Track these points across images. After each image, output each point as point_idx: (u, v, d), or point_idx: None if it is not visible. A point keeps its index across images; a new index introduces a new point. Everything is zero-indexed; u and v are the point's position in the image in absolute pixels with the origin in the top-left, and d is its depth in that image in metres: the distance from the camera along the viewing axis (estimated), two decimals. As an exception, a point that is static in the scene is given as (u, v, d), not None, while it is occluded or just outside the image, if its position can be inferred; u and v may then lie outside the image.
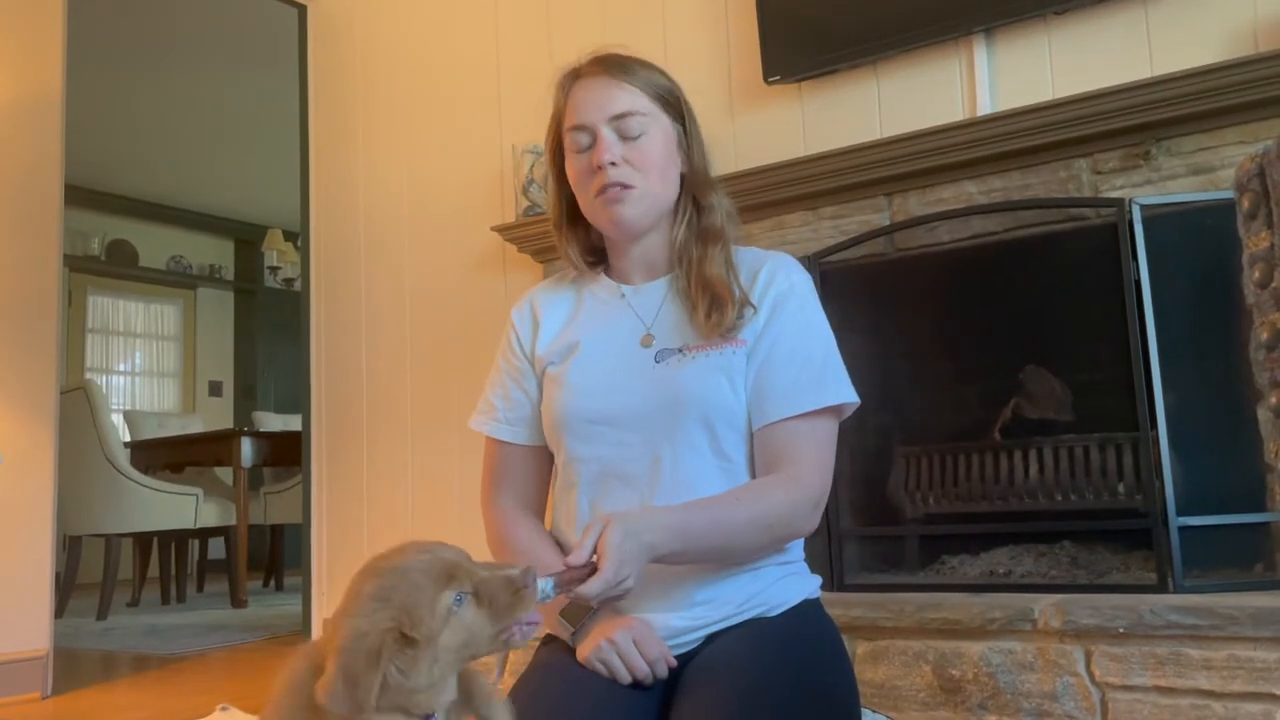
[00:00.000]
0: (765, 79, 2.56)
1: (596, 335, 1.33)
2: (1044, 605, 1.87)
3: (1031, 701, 1.86)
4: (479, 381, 1.43)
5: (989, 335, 2.29)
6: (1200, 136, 2.04)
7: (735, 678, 1.10)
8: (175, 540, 5.27)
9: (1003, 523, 2.21)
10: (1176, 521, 1.92)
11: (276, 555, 5.74)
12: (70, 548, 4.75)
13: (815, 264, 2.33)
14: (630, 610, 1.19)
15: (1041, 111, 2.14)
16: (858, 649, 2.03)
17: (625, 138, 1.29)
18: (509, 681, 1.18)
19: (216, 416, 7.51)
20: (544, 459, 1.38)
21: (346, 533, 3.35)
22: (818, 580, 1.32)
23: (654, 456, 1.24)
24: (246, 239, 7.99)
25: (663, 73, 1.35)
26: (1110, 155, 2.12)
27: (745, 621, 1.21)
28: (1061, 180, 2.18)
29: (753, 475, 1.26)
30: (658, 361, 1.28)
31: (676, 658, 1.18)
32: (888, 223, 2.37)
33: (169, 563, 5.33)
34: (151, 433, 5.68)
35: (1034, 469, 2.18)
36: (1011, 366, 2.24)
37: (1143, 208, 2.01)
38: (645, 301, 1.34)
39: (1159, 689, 1.76)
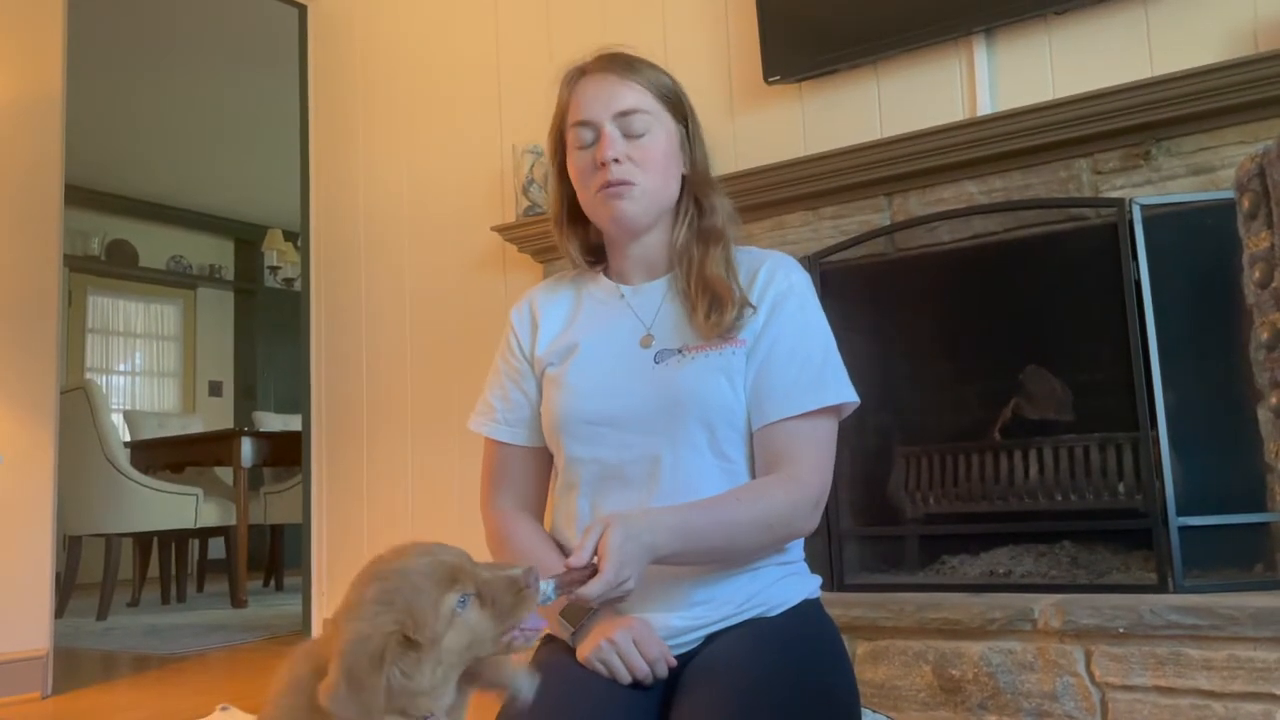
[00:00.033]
0: (765, 79, 2.56)
1: (596, 336, 1.33)
2: (1044, 605, 1.87)
3: (1031, 701, 1.86)
4: (479, 381, 1.43)
5: (989, 335, 2.30)
6: (1200, 136, 2.04)
7: (735, 678, 1.10)
8: (175, 540, 5.27)
9: (1003, 523, 2.21)
10: (1176, 521, 1.92)
11: (276, 555, 5.74)
12: (70, 548, 4.75)
13: (815, 264, 2.33)
14: (630, 610, 1.19)
15: (1042, 111, 2.14)
16: (858, 649, 2.03)
17: (629, 135, 1.29)
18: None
19: (216, 416, 7.51)
20: (543, 460, 1.38)
21: (346, 533, 3.35)
22: (818, 580, 1.32)
23: (654, 457, 1.24)
24: (246, 239, 7.99)
25: (667, 74, 1.35)
26: (1110, 155, 2.12)
27: (745, 621, 1.21)
28: (1062, 180, 2.18)
29: (753, 475, 1.26)
30: (657, 362, 1.28)
31: (676, 658, 1.18)
32: (888, 223, 2.37)
33: (169, 563, 5.33)
34: (151, 433, 5.68)
35: (1034, 469, 2.18)
36: (1012, 366, 2.24)
37: (1143, 208, 2.01)
38: (644, 302, 1.34)
39: (1159, 689, 1.76)
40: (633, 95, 1.30)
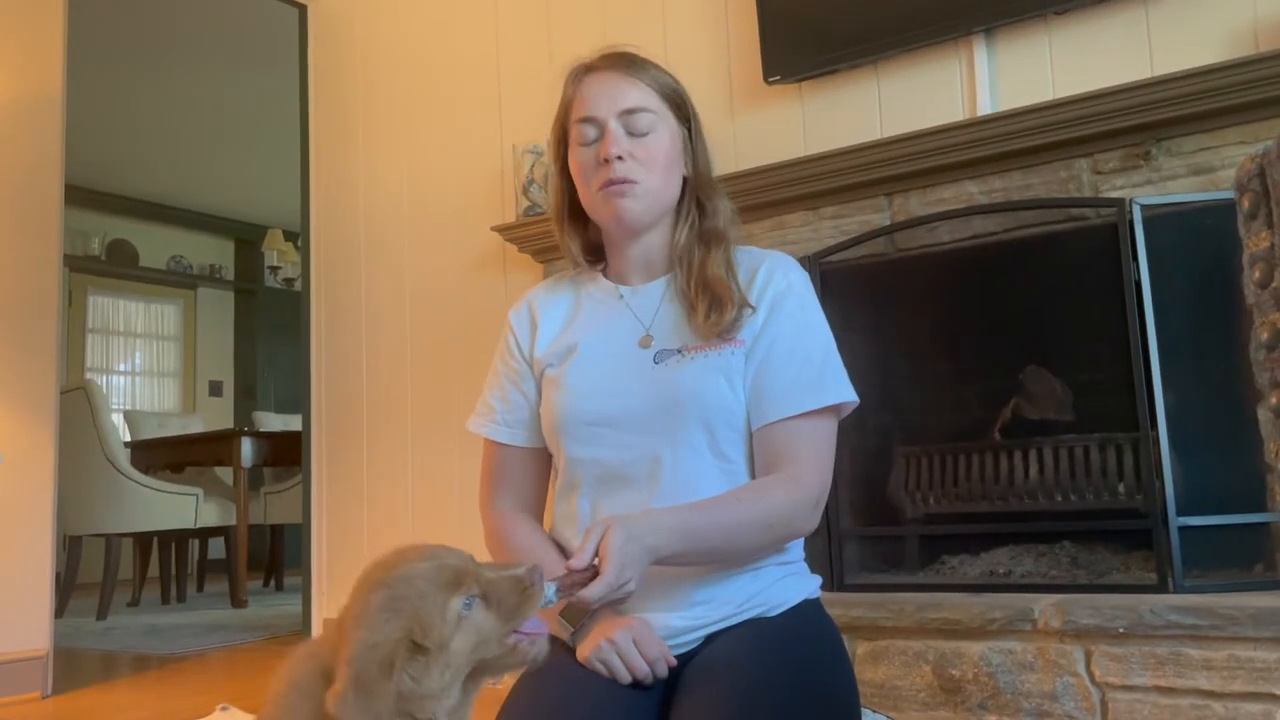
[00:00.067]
0: (765, 79, 2.56)
1: (595, 337, 1.33)
2: (1044, 605, 1.87)
3: (1031, 701, 1.86)
4: (479, 382, 1.42)
5: (989, 335, 2.29)
6: (1200, 137, 2.04)
7: (735, 678, 1.10)
8: (175, 540, 5.27)
9: (1003, 523, 2.21)
10: (1176, 521, 1.92)
11: (276, 555, 5.74)
12: (70, 548, 4.75)
13: (816, 264, 2.33)
14: (630, 610, 1.19)
15: (1042, 111, 2.14)
16: (858, 649, 2.03)
17: (633, 134, 1.29)
18: (510, 681, 1.18)
19: (216, 416, 7.51)
20: (543, 461, 1.38)
21: (346, 533, 3.35)
22: (818, 580, 1.32)
23: (654, 458, 1.24)
24: (246, 239, 7.99)
25: (672, 76, 1.36)
26: (1111, 155, 2.12)
27: (745, 621, 1.21)
28: (1062, 180, 2.18)
29: (753, 475, 1.26)
30: (657, 362, 1.27)
31: (676, 658, 1.18)
32: (888, 223, 2.37)
33: (169, 563, 5.32)
34: (152, 433, 5.68)
35: (1034, 469, 2.18)
36: (1012, 366, 2.24)
37: (1143, 208, 2.01)
38: (643, 302, 1.34)
39: (1159, 689, 1.76)
40: (638, 94, 1.30)
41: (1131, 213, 2.00)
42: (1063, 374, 2.20)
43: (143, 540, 5.22)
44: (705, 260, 1.30)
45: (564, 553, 1.27)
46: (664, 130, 1.31)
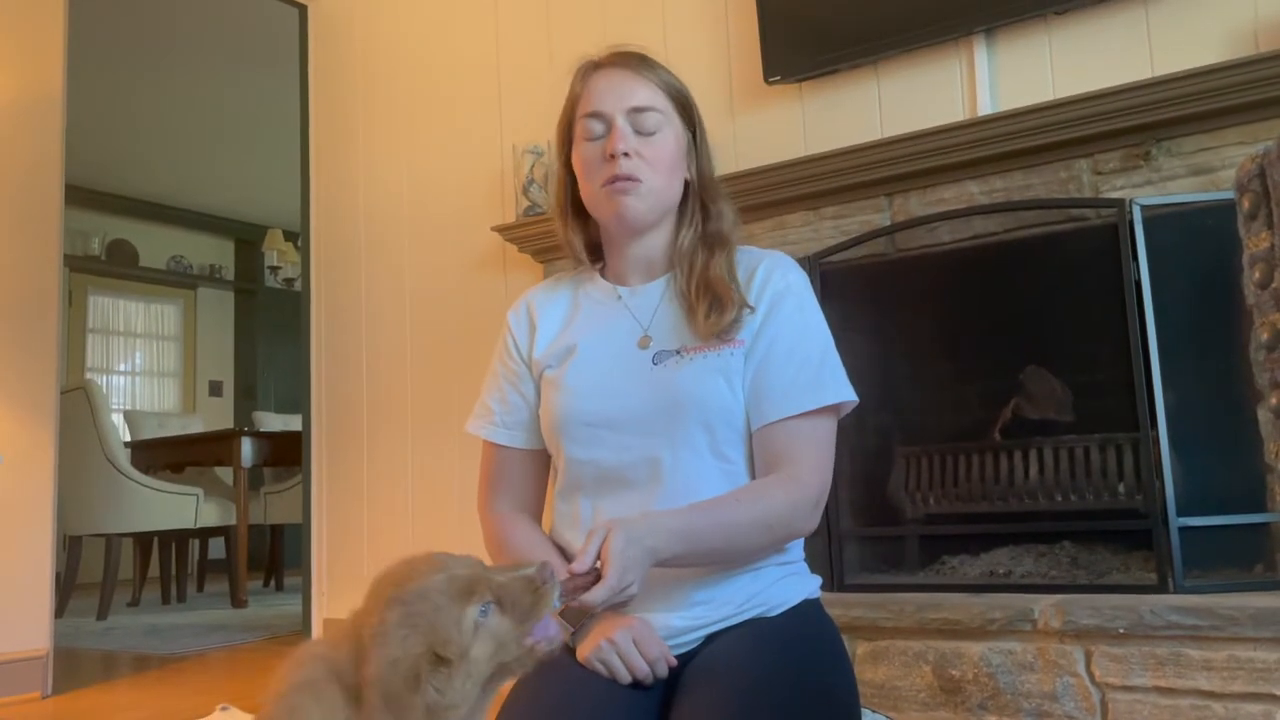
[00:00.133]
0: (765, 79, 2.56)
1: (593, 338, 1.33)
2: (1044, 605, 1.87)
3: (1031, 702, 1.86)
4: (479, 382, 1.42)
5: (989, 335, 2.29)
6: (1201, 137, 2.04)
7: (735, 678, 1.10)
8: (175, 540, 5.27)
9: (1003, 523, 2.21)
10: (1177, 522, 1.92)
11: (276, 555, 5.74)
12: (70, 548, 4.75)
13: (816, 264, 2.33)
14: (630, 610, 1.19)
15: (1042, 112, 2.14)
16: (858, 649, 2.03)
17: (640, 132, 1.29)
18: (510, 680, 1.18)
19: (217, 416, 7.51)
20: (541, 463, 1.38)
21: (346, 533, 3.34)
22: (818, 580, 1.32)
23: (654, 459, 1.24)
24: (246, 239, 7.99)
25: (679, 79, 1.36)
26: (1111, 156, 2.12)
27: (745, 621, 1.21)
28: (1062, 180, 2.18)
29: (752, 476, 1.26)
30: (655, 363, 1.27)
31: (676, 658, 1.18)
32: (888, 223, 2.37)
33: (169, 563, 5.33)
34: (152, 433, 5.68)
35: (1034, 469, 2.18)
36: (1012, 367, 2.24)
37: (1143, 208, 2.01)
38: (642, 303, 1.34)
39: (1159, 689, 1.76)
40: (647, 92, 1.30)
41: (1131, 213, 2.00)
42: (1063, 374, 2.20)
43: (143, 540, 5.22)
44: (709, 263, 1.30)
45: (564, 554, 1.27)
46: (670, 131, 1.31)
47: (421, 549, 0.93)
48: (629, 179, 1.27)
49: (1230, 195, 1.15)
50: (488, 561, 0.96)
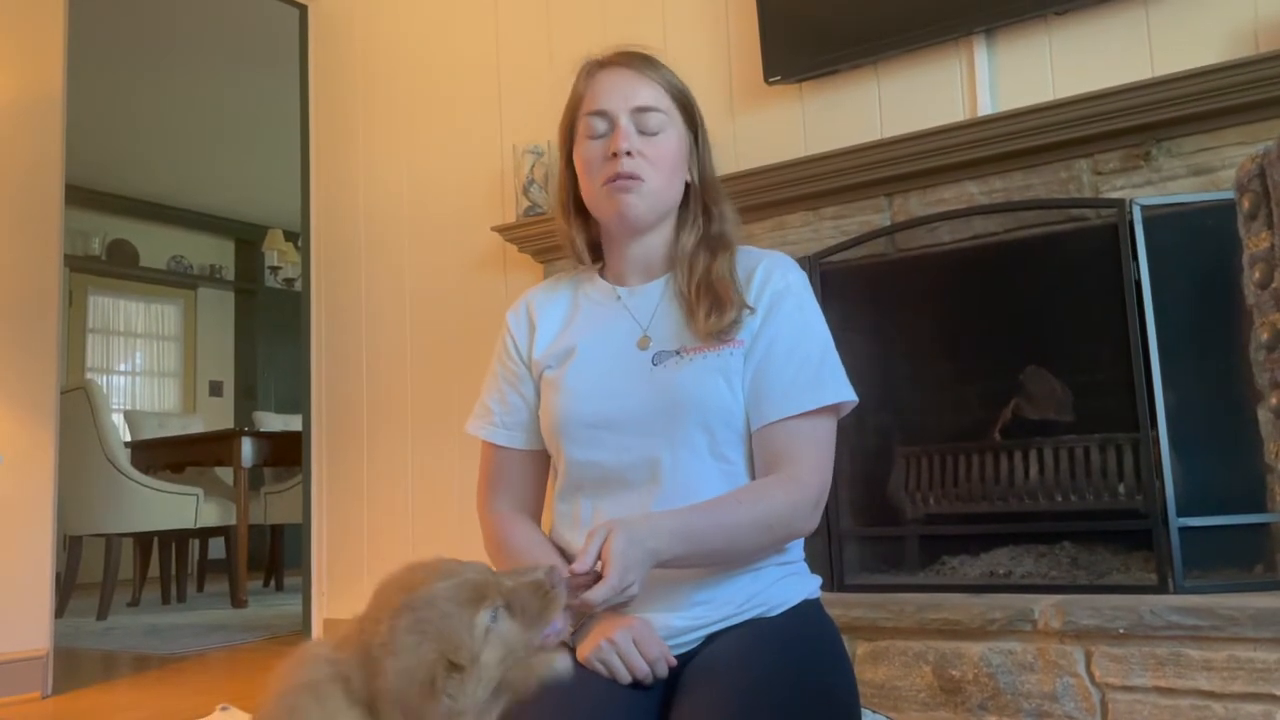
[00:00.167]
0: (766, 79, 2.56)
1: (593, 338, 1.33)
2: (1044, 606, 1.87)
3: (1031, 702, 1.86)
4: (479, 382, 1.42)
5: (989, 336, 2.30)
6: (1201, 137, 2.04)
7: (735, 678, 1.10)
8: (175, 540, 5.27)
9: (1003, 523, 2.21)
10: (1177, 522, 1.92)
11: (276, 555, 5.74)
12: (70, 548, 4.75)
13: (816, 264, 2.33)
14: (630, 610, 1.19)
15: (1042, 112, 2.14)
16: (858, 649, 2.03)
17: (643, 132, 1.29)
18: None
19: (217, 416, 7.51)
20: (541, 463, 1.38)
21: (346, 533, 3.34)
22: (818, 580, 1.32)
23: (653, 460, 1.24)
24: (247, 239, 7.99)
25: (682, 80, 1.36)
26: (1111, 156, 2.12)
27: (745, 621, 1.21)
28: (1062, 181, 2.18)
29: (752, 476, 1.26)
30: (655, 364, 1.27)
31: (677, 657, 1.18)
32: (889, 223, 2.37)
33: (169, 563, 5.33)
34: (152, 433, 5.68)
35: (1034, 469, 2.18)
36: (1012, 367, 2.24)
37: (1143, 208, 2.01)
38: (641, 303, 1.34)
39: (1159, 690, 1.76)
40: (651, 92, 1.30)
41: (1131, 213, 2.00)
42: (1063, 374, 2.20)
43: (143, 540, 5.22)
44: (711, 265, 1.30)
45: (563, 555, 1.27)
46: (673, 132, 1.31)
47: (421, 549, 0.93)
48: (631, 177, 1.27)
49: (1230, 195, 1.15)
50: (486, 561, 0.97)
